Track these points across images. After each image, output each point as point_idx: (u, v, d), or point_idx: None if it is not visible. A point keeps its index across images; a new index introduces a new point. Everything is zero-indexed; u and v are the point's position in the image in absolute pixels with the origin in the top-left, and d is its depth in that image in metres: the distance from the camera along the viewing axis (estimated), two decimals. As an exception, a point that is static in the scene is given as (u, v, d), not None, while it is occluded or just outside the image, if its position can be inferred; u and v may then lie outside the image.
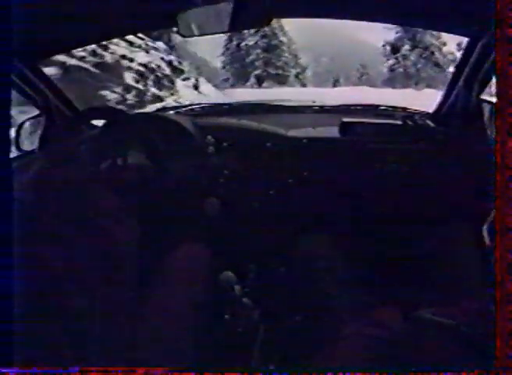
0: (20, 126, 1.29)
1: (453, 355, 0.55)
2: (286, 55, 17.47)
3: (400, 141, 1.31)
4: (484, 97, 1.19)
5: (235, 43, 17.37)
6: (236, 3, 0.85)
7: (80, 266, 0.79)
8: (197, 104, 1.62)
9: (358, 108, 1.61)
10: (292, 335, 0.96)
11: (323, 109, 1.64)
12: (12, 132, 1.23)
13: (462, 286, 1.03)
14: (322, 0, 1.08)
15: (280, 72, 17.06)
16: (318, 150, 1.31)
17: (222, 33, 0.93)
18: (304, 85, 17.42)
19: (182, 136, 1.22)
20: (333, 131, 1.31)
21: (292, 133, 1.34)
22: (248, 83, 16.51)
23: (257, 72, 16.79)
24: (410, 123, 1.32)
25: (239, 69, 17.48)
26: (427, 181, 1.29)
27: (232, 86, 16.46)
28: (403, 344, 0.59)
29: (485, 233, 0.60)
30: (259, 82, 16.56)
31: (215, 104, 1.68)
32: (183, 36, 1.00)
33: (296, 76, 17.78)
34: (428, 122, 1.38)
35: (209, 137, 1.25)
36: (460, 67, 1.25)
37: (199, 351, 0.80)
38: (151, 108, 6.08)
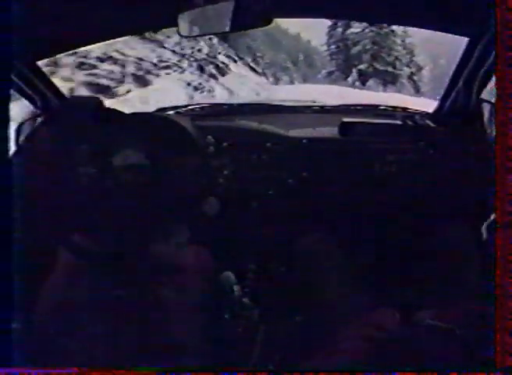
0: (20, 125, 1.29)
1: (451, 357, 0.55)
2: (399, 49, 13.75)
3: (400, 141, 1.31)
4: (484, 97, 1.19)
5: (340, 30, 13.94)
6: (236, 3, 0.85)
7: (80, 270, 0.79)
8: (196, 104, 1.62)
9: (358, 108, 1.61)
10: (292, 335, 0.96)
11: (323, 109, 1.64)
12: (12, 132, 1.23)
13: (462, 287, 1.03)
14: (323, 0, 1.08)
15: (390, 69, 13.36)
16: (318, 150, 1.31)
17: (223, 33, 0.93)
18: (417, 89, 13.94)
19: (182, 136, 1.22)
20: (333, 131, 1.31)
21: (292, 133, 1.34)
22: (349, 80, 13.13)
23: (361, 66, 13.15)
24: (410, 123, 1.32)
25: (343, 62, 13.81)
26: (427, 181, 1.29)
27: (335, 81, 12.91)
28: (402, 346, 0.59)
29: (483, 230, 0.60)
30: (362, 79, 13.06)
31: (214, 104, 1.68)
32: (183, 36, 1.00)
33: (410, 76, 14.13)
34: (428, 122, 1.38)
35: (209, 137, 1.25)
36: (460, 67, 1.25)
37: (199, 351, 0.80)
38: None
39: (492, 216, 0.58)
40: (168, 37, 7.93)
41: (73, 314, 0.71)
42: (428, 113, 1.47)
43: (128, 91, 6.43)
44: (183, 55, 8.47)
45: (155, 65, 7.49)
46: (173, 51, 8.27)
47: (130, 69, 6.88)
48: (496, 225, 0.55)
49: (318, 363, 0.65)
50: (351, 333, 0.69)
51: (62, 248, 0.81)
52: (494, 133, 0.59)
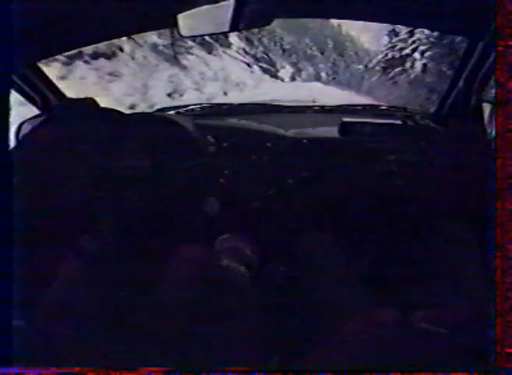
0: (20, 126, 1.29)
1: (449, 359, 0.55)
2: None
3: (400, 141, 1.31)
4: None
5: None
6: (236, 3, 0.85)
7: (79, 268, 0.79)
8: (196, 104, 1.62)
9: (358, 108, 1.61)
10: (292, 335, 0.96)
11: (323, 109, 1.64)
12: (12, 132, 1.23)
13: (461, 287, 1.03)
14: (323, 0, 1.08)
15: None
16: (318, 150, 1.31)
17: (222, 33, 0.93)
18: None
19: (182, 136, 1.22)
20: (333, 131, 1.31)
21: (292, 133, 1.34)
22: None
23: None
24: (410, 123, 1.32)
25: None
26: (427, 181, 1.29)
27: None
28: (402, 345, 0.59)
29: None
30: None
31: (214, 104, 1.68)
32: (183, 36, 1.00)
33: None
34: (428, 122, 1.38)
35: (209, 137, 1.25)
36: (460, 67, 1.25)
37: (199, 351, 0.80)
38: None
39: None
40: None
41: (75, 314, 0.71)
42: (428, 113, 1.47)
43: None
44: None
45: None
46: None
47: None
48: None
49: (317, 360, 0.64)
50: (351, 331, 0.69)
51: (63, 247, 0.81)
52: (494, 133, 0.59)
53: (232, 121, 1.39)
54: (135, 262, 0.94)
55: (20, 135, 1.26)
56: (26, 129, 1.28)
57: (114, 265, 0.91)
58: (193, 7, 0.89)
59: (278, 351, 0.89)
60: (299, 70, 10.90)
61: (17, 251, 0.57)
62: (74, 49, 1.26)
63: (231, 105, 1.68)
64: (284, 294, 1.09)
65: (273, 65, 9.69)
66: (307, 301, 0.98)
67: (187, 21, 0.94)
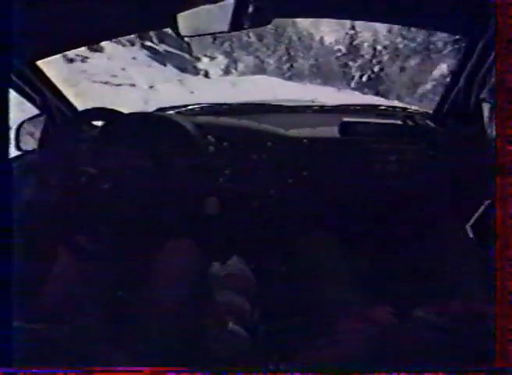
0: (20, 126, 1.29)
1: (446, 354, 0.55)
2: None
3: (400, 141, 1.32)
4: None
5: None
6: (236, 3, 0.85)
7: (80, 269, 0.79)
8: (196, 104, 1.63)
9: (358, 108, 1.61)
10: (292, 335, 0.96)
11: (323, 109, 1.64)
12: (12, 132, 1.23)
13: (460, 285, 1.03)
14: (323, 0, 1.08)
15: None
16: (318, 150, 1.31)
17: (222, 33, 0.93)
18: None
19: (182, 136, 1.22)
20: (333, 131, 1.31)
21: (292, 133, 1.34)
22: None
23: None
24: (410, 123, 1.32)
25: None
26: (427, 181, 1.29)
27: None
28: (401, 343, 0.59)
29: (468, 230, 0.61)
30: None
31: (214, 104, 1.68)
32: (183, 36, 1.00)
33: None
34: (428, 122, 1.38)
35: (209, 136, 1.25)
36: (460, 67, 1.25)
37: (199, 350, 0.80)
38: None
39: (476, 215, 0.59)
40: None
41: (75, 313, 0.71)
42: (428, 113, 1.47)
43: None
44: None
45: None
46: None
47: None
48: (483, 223, 0.56)
49: (315, 356, 0.64)
50: (349, 327, 0.69)
51: (62, 247, 0.81)
52: (494, 133, 0.59)
53: (232, 121, 1.39)
54: (134, 262, 0.94)
55: (20, 135, 1.26)
56: (25, 128, 1.28)
57: (112, 264, 0.91)
58: (194, 7, 0.89)
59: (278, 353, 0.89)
60: (234, 61, 8.87)
61: (17, 252, 0.57)
62: (74, 49, 1.26)
63: (231, 105, 1.68)
64: (284, 293, 1.09)
65: (189, 52, 6.90)
66: (307, 300, 0.98)
67: (187, 21, 0.94)
